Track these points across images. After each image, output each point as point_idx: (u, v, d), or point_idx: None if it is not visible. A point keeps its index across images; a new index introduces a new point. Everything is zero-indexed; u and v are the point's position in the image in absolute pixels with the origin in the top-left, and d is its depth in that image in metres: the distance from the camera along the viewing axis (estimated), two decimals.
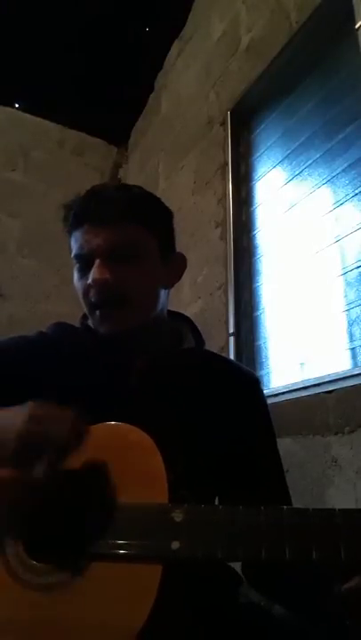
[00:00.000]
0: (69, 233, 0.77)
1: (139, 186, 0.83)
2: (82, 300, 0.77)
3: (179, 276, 0.84)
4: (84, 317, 0.82)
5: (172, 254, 0.82)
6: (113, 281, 0.71)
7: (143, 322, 0.75)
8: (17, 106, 3.27)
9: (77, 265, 0.76)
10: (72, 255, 0.76)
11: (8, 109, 3.24)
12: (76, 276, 0.77)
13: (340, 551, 0.49)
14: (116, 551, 0.54)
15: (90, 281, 0.72)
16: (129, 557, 0.53)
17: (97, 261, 0.72)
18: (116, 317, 0.73)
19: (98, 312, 0.74)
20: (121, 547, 0.54)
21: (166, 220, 0.83)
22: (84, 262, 0.74)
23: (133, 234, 0.74)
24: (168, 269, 0.80)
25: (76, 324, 0.85)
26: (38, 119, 3.32)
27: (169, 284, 0.82)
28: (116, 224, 0.72)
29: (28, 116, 3.30)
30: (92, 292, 0.73)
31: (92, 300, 0.74)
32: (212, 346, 2.02)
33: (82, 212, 0.75)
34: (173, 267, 0.82)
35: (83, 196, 0.77)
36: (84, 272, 0.75)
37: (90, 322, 0.79)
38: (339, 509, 0.52)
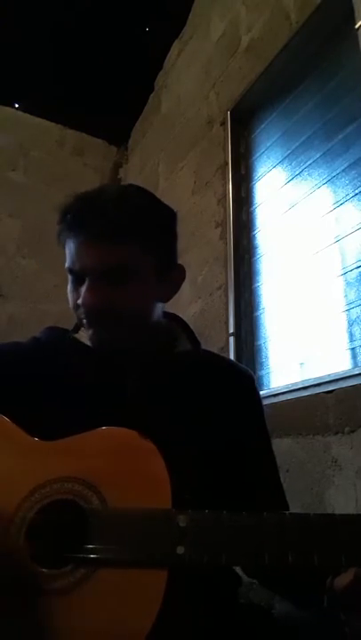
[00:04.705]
0: (63, 239, 0.73)
1: (141, 192, 0.78)
2: (73, 312, 0.76)
3: (177, 289, 0.81)
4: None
5: (171, 270, 0.78)
6: (102, 304, 0.69)
7: (136, 338, 0.74)
8: (17, 106, 3.27)
9: (70, 277, 0.74)
10: (65, 265, 0.73)
11: (8, 109, 3.24)
12: (69, 286, 0.75)
13: (342, 556, 0.50)
14: (122, 557, 0.54)
15: (79, 301, 0.71)
16: (134, 563, 0.53)
17: (87, 281, 0.70)
18: (107, 337, 0.73)
19: (90, 331, 0.73)
20: (126, 552, 0.54)
21: (167, 237, 0.78)
22: (76, 277, 0.72)
23: (128, 255, 0.69)
24: (165, 285, 0.77)
25: (72, 326, 0.84)
26: (38, 119, 3.31)
27: (165, 299, 0.80)
28: (110, 244, 0.68)
29: (28, 116, 3.30)
30: (81, 311, 0.72)
31: (82, 318, 0.73)
32: (211, 346, 2.02)
33: (76, 223, 0.70)
34: (171, 281, 0.79)
35: (79, 201, 0.72)
36: (75, 285, 0.73)
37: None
38: (339, 515, 0.53)
